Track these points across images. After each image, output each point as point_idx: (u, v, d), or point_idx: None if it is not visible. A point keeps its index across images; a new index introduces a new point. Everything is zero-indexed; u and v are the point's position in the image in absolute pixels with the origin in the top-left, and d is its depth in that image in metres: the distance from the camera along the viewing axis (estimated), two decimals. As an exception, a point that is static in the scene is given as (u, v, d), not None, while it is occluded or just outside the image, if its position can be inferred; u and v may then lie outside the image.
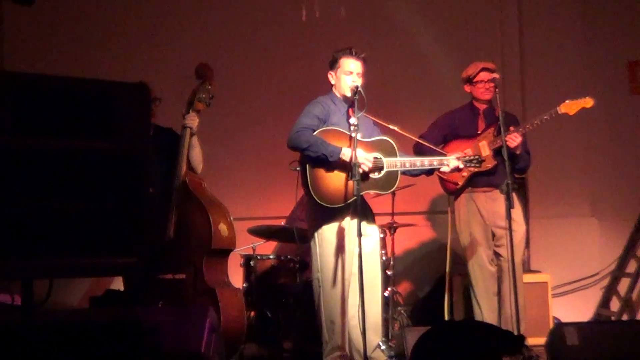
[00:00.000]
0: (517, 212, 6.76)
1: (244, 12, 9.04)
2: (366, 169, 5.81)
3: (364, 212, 5.96)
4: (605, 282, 8.75)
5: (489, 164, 6.72)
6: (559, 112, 6.65)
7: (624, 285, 8.58)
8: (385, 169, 5.92)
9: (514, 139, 6.58)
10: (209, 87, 6.30)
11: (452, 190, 6.95)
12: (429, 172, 6.29)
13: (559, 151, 8.66)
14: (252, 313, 7.17)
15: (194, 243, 6.09)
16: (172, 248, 6.04)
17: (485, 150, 6.73)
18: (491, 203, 6.76)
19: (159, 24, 8.91)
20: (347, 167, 5.74)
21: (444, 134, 6.95)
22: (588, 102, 6.68)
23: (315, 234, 6.00)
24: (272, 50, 8.92)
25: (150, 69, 8.23)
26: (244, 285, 7.30)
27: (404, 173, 6.08)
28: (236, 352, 6.49)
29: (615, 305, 8.61)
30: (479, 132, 6.86)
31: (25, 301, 3.18)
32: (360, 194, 5.77)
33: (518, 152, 6.67)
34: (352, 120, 5.82)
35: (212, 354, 4.92)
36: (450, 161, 6.09)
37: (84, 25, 8.82)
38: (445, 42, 9.07)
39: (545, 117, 6.63)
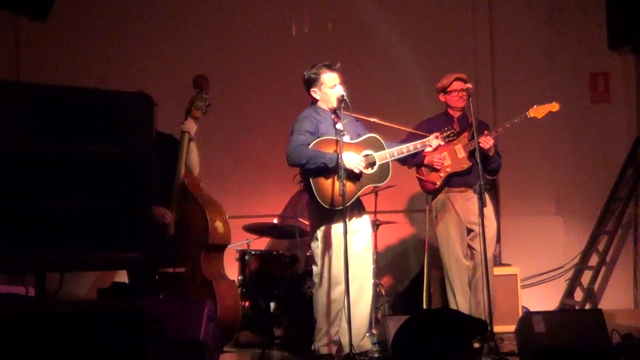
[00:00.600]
0: (489, 210, 6.76)
1: (238, 26, 9.02)
2: (360, 169, 5.86)
3: (358, 211, 6.05)
4: (570, 274, 8.79)
5: (465, 165, 6.74)
6: (529, 117, 6.69)
7: (586, 277, 8.61)
8: (377, 163, 5.98)
9: (487, 142, 6.60)
10: (205, 96, 6.33)
11: (430, 190, 6.94)
12: (414, 155, 6.36)
13: (527, 155, 8.70)
14: (247, 303, 7.18)
15: (193, 239, 6.12)
16: (173, 244, 6.05)
17: (461, 153, 6.75)
18: (466, 202, 6.76)
19: (159, 38, 8.88)
20: (345, 171, 5.80)
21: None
22: (554, 106, 6.72)
23: (318, 232, 6.08)
24: (263, 62, 8.92)
25: (150, 79, 8.20)
26: (239, 278, 7.30)
27: (393, 160, 6.15)
28: (232, 339, 6.50)
29: (578, 295, 8.64)
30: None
31: (38, 292, 3.18)
32: (361, 190, 6.00)
33: (491, 153, 6.70)
34: (338, 126, 5.87)
35: (210, 341, 4.93)
36: (432, 141, 6.23)
37: (92, 39, 8.79)
38: (422, 55, 9.08)
39: (515, 120, 6.67)
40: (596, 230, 8.79)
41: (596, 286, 8.59)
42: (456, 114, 6.98)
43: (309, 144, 5.91)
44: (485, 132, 6.68)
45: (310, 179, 5.91)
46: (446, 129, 6.38)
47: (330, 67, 6.10)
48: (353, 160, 5.86)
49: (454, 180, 6.77)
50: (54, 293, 3.33)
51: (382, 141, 6.10)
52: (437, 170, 6.81)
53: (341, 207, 5.84)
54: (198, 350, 4.77)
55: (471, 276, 6.71)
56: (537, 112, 6.71)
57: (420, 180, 6.97)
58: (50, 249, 2.96)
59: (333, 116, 6.11)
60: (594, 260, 8.69)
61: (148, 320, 3.68)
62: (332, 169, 5.84)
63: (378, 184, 6.21)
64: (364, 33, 9.09)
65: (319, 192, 5.90)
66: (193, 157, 6.33)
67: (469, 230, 6.82)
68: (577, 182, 8.99)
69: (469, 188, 6.73)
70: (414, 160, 6.72)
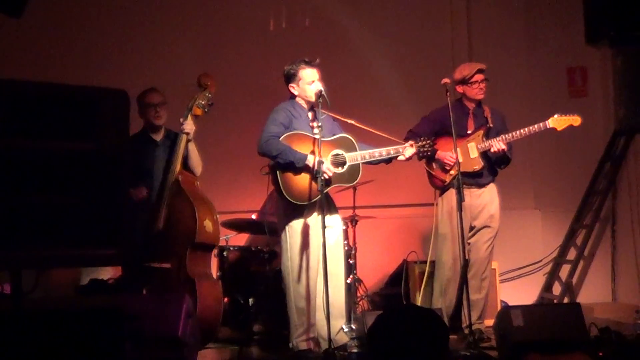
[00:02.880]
0: (497, 208, 6.80)
1: (215, 23, 9.02)
2: (327, 177, 5.86)
3: (328, 206, 6.02)
4: (548, 268, 8.84)
5: (477, 165, 6.70)
6: (548, 126, 6.64)
7: (565, 271, 8.66)
8: (347, 163, 5.98)
9: (500, 148, 6.57)
10: (209, 95, 6.36)
11: (438, 186, 6.94)
12: (387, 161, 6.29)
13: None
14: (226, 299, 7.16)
15: (180, 236, 6.15)
16: (161, 239, 6.08)
17: (474, 152, 6.71)
18: (475, 199, 6.75)
19: (135, 36, 8.87)
20: (312, 170, 5.85)
21: (434, 129, 6.82)
22: (576, 120, 6.67)
23: (286, 228, 6.08)
24: (241, 57, 8.91)
25: (128, 76, 8.17)
26: (218, 274, 7.30)
27: (364, 163, 6.14)
28: (212, 338, 6.49)
29: (557, 289, 8.69)
30: (468, 132, 6.82)
31: (14, 290, 3.17)
32: (327, 189, 5.94)
33: (508, 156, 6.71)
34: (316, 124, 5.90)
35: (189, 338, 4.92)
36: (406, 150, 6.17)
37: (68, 36, 8.76)
38: (399, 49, 9.10)
39: (533, 128, 6.61)
40: (574, 224, 8.85)
41: (574, 280, 8.64)
42: (471, 106, 6.93)
43: (281, 136, 5.92)
44: (499, 137, 6.65)
45: (278, 172, 5.92)
46: (422, 139, 6.24)
47: (309, 63, 6.11)
48: (323, 166, 5.87)
49: (464, 179, 6.55)
50: (30, 290, 3.32)
51: (355, 143, 6.11)
52: (447, 169, 6.77)
53: (306, 203, 5.89)
54: (176, 347, 4.77)
55: (465, 272, 6.68)
56: (558, 122, 6.64)
57: (430, 175, 6.94)
58: (26, 246, 2.95)
59: (310, 113, 6.11)
60: (572, 254, 8.75)
61: (126, 317, 3.67)
62: (299, 167, 5.86)
63: (346, 185, 6.21)
64: (341, 30, 9.12)
65: (285, 186, 5.91)
66: (194, 157, 6.42)
67: (473, 227, 6.82)
68: (555, 177, 9.04)
69: (479, 187, 6.74)
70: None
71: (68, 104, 3.07)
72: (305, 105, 6.15)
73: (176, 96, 6.83)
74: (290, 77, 6.15)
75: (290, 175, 5.92)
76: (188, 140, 6.32)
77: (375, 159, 6.15)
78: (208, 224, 6.19)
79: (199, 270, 6.20)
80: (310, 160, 5.86)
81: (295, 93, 6.17)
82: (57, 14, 8.73)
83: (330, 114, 6.21)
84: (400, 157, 6.20)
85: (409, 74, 9.01)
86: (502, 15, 9.17)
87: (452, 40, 9.19)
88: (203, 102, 6.34)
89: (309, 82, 6.07)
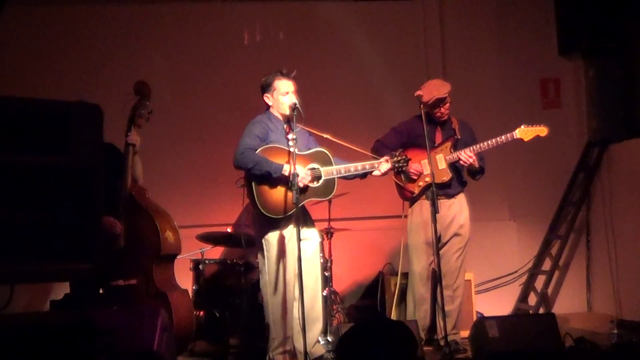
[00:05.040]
0: (467, 218, 6.84)
1: (190, 34, 9.03)
2: (305, 183, 5.89)
3: (304, 219, 6.04)
4: (524, 279, 8.89)
5: (445, 177, 6.72)
6: (515, 137, 6.70)
7: (540, 281, 8.71)
8: (323, 178, 6.01)
9: (468, 159, 6.62)
10: (147, 102, 6.24)
11: (408, 198, 6.96)
12: (363, 175, 6.31)
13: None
14: (202, 313, 7.17)
15: (144, 250, 6.04)
16: (123, 256, 5.98)
17: (442, 163, 6.74)
18: (444, 210, 6.73)
19: (107, 48, 8.82)
20: (288, 181, 5.85)
21: (402, 141, 6.87)
22: (542, 130, 6.74)
23: (262, 241, 6.09)
24: (216, 70, 8.93)
25: (97, 89, 8.15)
26: (194, 287, 7.29)
27: (339, 178, 6.16)
28: (186, 348, 6.48)
29: (533, 299, 8.74)
30: (436, 144, 6.83)
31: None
32: (302, 203, 5.96)
33: (477, 165, 6.72)
34: (290, 136, 5.90)
35: (164, 351, 4.92)
36: (381, 165, 6.19)
37: (38, 49, 8.71)
38: (372, 64, 9.15)
39: (501, 139, 6.66)
40: (549, 234, 8.91)
41: (550, 290, 8.69)
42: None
43: (257, 149, 5.94)
44: (469, 149, 6.68)
45: (253, 184, 5.93)
46: (397, 154, 6.25)
47: (285, 75, 6.13)
48: (299, 173, 5.88)
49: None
50: (4, 305, 3.31)
51: (331, 157, 6.14)
52: (415, 180, 6.80)
53: (281, 216, 5.90)
54: (152, 361, 4.76)
55: (438, 282, 6.70)
56: (525, 133, 6.70)
57: (399, 187, 6.96)
58: (0, 260, 2.94)
59: (285, 126, 6.14)
60: (547, 265, 8.81)
61: (100, 331, 3.67)
62: (275, 179, 5.88)
63: (321, 199, 6.23)
64: (315, 43, 9.16)
65: (259, 199, 5.93)
66: (138, 168, 6.26)
67: (442, 238, 6.82)
68: (530, 188, 9.10)
69: (448, 199, 6.76)
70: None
71: (41, 118, 3.07)
72: (281, 118, 6.17)
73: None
74: (266, 87, 6.18)
75: (265, 188, 5.93)
76: (135, 152, 6.23)
77: (350, 173, 6.17)
78: (169, 235, 6.12)
79: (166, 282, 6.14)
80: (287, 170, 5.86)
81: (269, 103, 6.20)
82: (30, 29, 8.69)
83: (306, 128, 6.23)
84: (376, 172, 6.22)
85: (383, 88, 9.06)
86: (475, 27, 9.26)
87: (425, 53, 9.26)
88: (144, 111, 6.23)
89: (283, 92, 6.09)
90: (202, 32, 9.05)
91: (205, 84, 8.92)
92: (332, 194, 6.19)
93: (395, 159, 6.22)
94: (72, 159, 3.05)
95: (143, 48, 8.89)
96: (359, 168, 6.17)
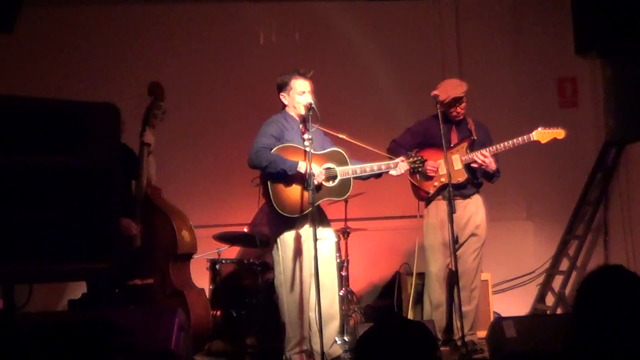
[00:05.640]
0: (483, 218, 6.82)
1: (206, 35, 9.04)
2: (319, 181, 5.88)
3: (320, 218, 6.03)
4: (541, 279, 8.85)
5: (460, 177, 6.69)
6: (532, 139, 6.68)
7: (557, 281, 8.67)
8: (338, 178, 6.01)
9: (484, 160, 6.60)
10: (161, 103, 6.30)
11: (423, 198, 6.95)
12: (378, 175, 6.31)
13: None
14: (218, 312, 7.17)
15: (161, 250, 6.11)
16: (140, 255, 6.02)
17: (458, 164, 6.72)
18: (460, 210, 6.69)
19: (125, 48, 8.85)
20: (304, 180, 5.86)
21: (417, 141, 6.87)
22: (560, 133, 6.72)
23: (277, 240, 6.09)
24: (231, 70, 8.94)
25: (115, 89, 8.18)
26: (211, 287, 7.30)
27: (355, 178, 6.15)
28: (203, 347, 6.50)
29: (550, 300, 8.70)
30: (452, 144, 6.80)
31: (6, 305, 3.18)
32: (317, 202, 5.91)
33: (493, 167, 6.70)
34: (306, 136, 5.90)
35: (181, 351, 4.93)
36: (398, 165, 6.17)
37: (57, 49, 8.74)
38: (389, 65, 9.14)
39: (517, 141, 6.64)
40: (566, 235, 8.87)
41: (567, 290, 8.65)
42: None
43: (272, 148, 5.95)
44: (485, 150, 6.66)
45: (269, 183, 5.94)
46: (413, 154, 6.30)
47: (302, 74, 6.14)
48: (315, 170, 5.89)
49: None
50: (22, 305, 3.33)
51: (347, 157, 6.14)
52: (430, 179, 6.78)
53: (297, 215, 5.92)
54: (169, 361, 4.77)
55: (453, 283, 6.69)
56: (542, 136, 6.68)
57: (414, 187, 6.94)
58: (18, 260, 2.95)
59: (301, 125, 6.14)
60: (564, 265, 8.76)
61: (118, 331, 3.68)
62: (291, 177, 5.88)
63: (336, 199, 6.23)
64: (331, 44, 9.15)
65: (275, 198, 5.94)
66: (152, 168, 6.31)
67: (459, 238, 6.79)
68: (547, 188, 9.06)
69: (464, 199, 6.74)
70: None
71: (57, 118, 3.07)
72: (296, 117, 6.18)
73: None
74: (282, 86, 6.18)
75: (281, 187, 5.94)
76: (149, 153, 6.27)
77: (366, 173, 6.18)
78: (185, 234, 6.18)
79: (183, 281, 6.19)
80: (302, 167, 5.86)
81: (285, 102, 6.20)
82: (45, 29, 8.73)
83: (322, 128, 6.23)
84: (392, 172, 6.21)
85: (398, 87, 9.04)
86: (491, 27, 9.22)
87: (442, 53, 9.23)
88: (158, 112, 6.29)
89: (300, 92, 6.09)
90: (218, 32, 9.06)
91: (221, 84, 8.93)
92: (348, 194, 6.19)
93: (411, 159, 6.22)
94: (89, 159, 3.06)
95: (158, 48, 8.90)
96: (375, 168, 6.17)
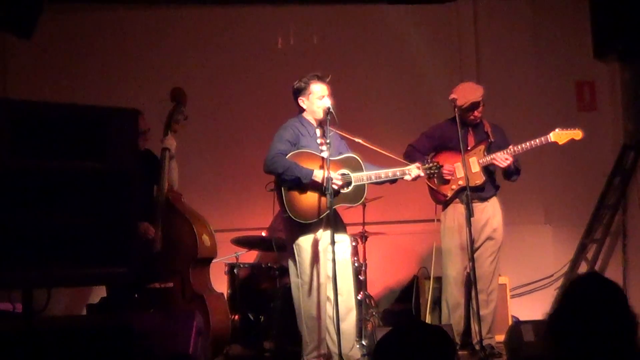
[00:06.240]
0: (500, 222, 6.80)
1: (225, 39, 9.05)
2: (337, 187, 5.87)
3: (335, 223, 6.01)
4: (559, 283, 8.79)
5: (478, 180, 6.67)
6: (550, 140, 6.65)
7: (576, 285, 8.62)
8: (353, 184, 5.99)
9: (503, 161, 6.58)
10: (183, 108, 6.34)
11: (440, 201, 6.93)
12: (393, 181, 6.28)
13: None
14: (237, 317, 7.17)
15: (181, 253, 6.13)
16: (160, 259, 6.04)
17: (475, 167, 6.70)
18: (478, 213, 6.67)
19: (144, 53, 8.88)
20: (318, 187, 5.88)
21: (434, 145, 6.89)
22: (577, 134, 6.68)
23: (294, 245, 6.08)
24: (249, 74, 8.94)
25: (135, 94, 8.23)
26: (229, 291, 7.30)
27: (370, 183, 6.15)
28: (222, 352, 6.50)
29: (568, 304, 8.64)
30: (469, 147, 6.79)
31: (26, 309, 3.19)
32: (333, 206, 5.87)
33: (513, 167, 6.69)
34: (324, 140, 5.91)
35: (200, 355, 4.93)
36: (412, 171, 6.14)
37: (76, 55, 8.78)
38: (406, 68, 9.13)
39: (535, 142, 6.62)
40: (585, 238, 8.82)
41: (586, 294, 8.60)
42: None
43: (288, 154, 5.95)
44: (504, 151, 6.65)
45: (283, 189, 5.94)
46: (429, 160, 6.26)
47: (320, 78, 6.13)
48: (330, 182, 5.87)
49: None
50: (41, 309, 3.33)
51: (362, 162, 6.13)
52: (448, 182, 6.76)
53: (310, 221, 5.93)
54: (187, 365, 4.78)
55: (470, 286, 6.67)
56: (559, 137, 6.64)
57: (431, 190, 6.93)
58: (37, 265, 2.96)
59: (318, 130, 6.13)
60: (583, 269, 8.71)
61: (137, 335, 3.69)
62: (305, 184, 5.89)
63: (350, 204, 6.20)
64: (349, 47, 9.14)
65: (288, 204, 5.94)
66: (174, 173, 6.34)
67: (477, 242, 6.74)
68: (566, 191, 9.02)
69: (481, 202, 6.72)
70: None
71: (78, 123, 3.09)
72: (313, 122, 6.17)
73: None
74: (300, 91, 6.17)
75: (295, 193, 5.94)
76: (171, 157, 6.29)
77: (381, 179, 6.16)
78: (206, 239, 6.20)
79: (203, 285, 6.22)
80: (318, 176, 5.87)
81: (304, 107, 6.18)
82: (66, 33, 8.78)
83: (338, 131, 6.23)
84: (407, 177, 6.19)
85: (416, 91, 9.03)
86: (510, 30, 9.18)
87: (460, 56, 9.21)
88: (180, 117, 6.33)
89: (319, 96, 6.08)
90: (236, 36, 9.06)
91: (238, 88, 8.94)
92: (362, 200, 6.17)
93: (426, 165, 6.19)
94: (108, 163, 3.07)
95: (177, 53, 8.92)
96: (390, 174, 6.14)
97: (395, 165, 6.23)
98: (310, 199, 5.94)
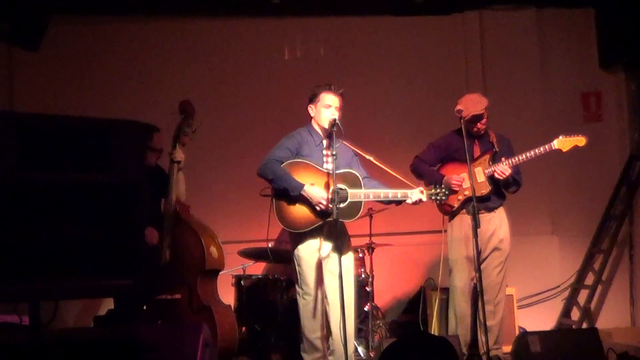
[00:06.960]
0: (507, 232, 6.78)
1: (231, 51, 9.07)
2: (321, 208, 5.82)
3: (339, 236, 5.94)
4: (566, 293, 8.79)
5: (484, 190, 6.65)
6: (553, 148, 6.61)
7: (583, 296, 8.62)
8: (348, 200, 5.90)
9: (504, 172, 6.56)
10: (192, 121, 6.35)
11: (447, 212, 6.91)
12: (398, 202, 6.17)
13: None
14: (244, 328, 7.17)
15: (188, 265, 6.13)
16: (168, 270, 6.05)
17: (481, 176, 6.69)
18: (484, 224, 6.63)
19: (151, 65, 8.90)
20: (308, 201, 5.83)
21: (440, 156, 6.90)
22: (581, 140, 6.63)
23: (294, 254, 6.08)
24: (257, 86, 8.96)
25: (142, 107, 8.23)
26: (236, 303, 7.30)
27: (376, 201, 6.12)
28: (231, 362, 6.50)
29: (575, 314, 8.64)
30: (474, 157, 6.77)
31: (33, 321, 3.19)
32: (323, 222, 5.89)
33: (509, 179, 6.65)
34: (329, 152, 5.88)
35: (206, 367, 4.92)
36: (414, 194, 6.02)
37: (83, 67, 8.81)
38: (414, 78, 9.14)
39: (539, 150, 6.59)
40: (592, 249, 8.81)
41: (593, 305, 8.60)
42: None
43: (284, 161, 5.93)
44: (503, 159, 6.62)
45: (274, 197, 5.96)
46: (436, 186, 6.14)
47: (332, 89, 6.10)
48: (318, 195, 5.85)
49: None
50: (48, 321, 3.33)
51: (360, 179, 5.98)
52: (454, 192, 6.74)
53: (300, 230, 5.92)
54: (194, 377, 4.76)
55: (476, 297, 6.64)
56: (563, 144, 6.61)
57: None
58: (43, 277, 2.96)
59: (325, 141, 6.10)
60: (590, 279, 8.72)
61: (143, 347, 3.68)
62: (293, 197, 5.86)
63: (344, 220, 6.01)
64: (356, 58, 9.15)
65: (278, 212, 5.93)
66: (182, 185, 6.35)
67: (483, 252, 6.71)
68: (572, 202, 9.02)
69: (488, 212, 6.71)
70: (430, 179, 6.69)
71: (85, 136, 3.09)
72: (320, 132, 6.14)
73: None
74: (312, 98, 6.15)
75: (284, 202, 5.92)
76: (179, 170, 6.31)
77: (379, 199, 6.12)
78: (213, 250, 6.21)
79: (210, 297, 6.22)
80: (308, 192, 5.81)
81: (312, 114, 6.16)
82: (73, 46, 8.80)
83: (352, 146, 6.21)
84: (408, 201, 6.05)
85: (423, 102, 9.02)
86: (515, 41, 9.18)
87: (466, 67, 9.20)
88: (188, 130, 6.34)
89: (326, 105, 6.04)
90: (243, 48, 9.08)
91: (246, 99, 8.95)
92: (357, 216, 5.99)
93: (432, 191, 6.08)
94: (115, 176, 3.07)
95: (184, 65, 8.94)
96: (390, 195, 6.03)
97: (401, 187, 6.16)
98: (299, 209, 5.89)
